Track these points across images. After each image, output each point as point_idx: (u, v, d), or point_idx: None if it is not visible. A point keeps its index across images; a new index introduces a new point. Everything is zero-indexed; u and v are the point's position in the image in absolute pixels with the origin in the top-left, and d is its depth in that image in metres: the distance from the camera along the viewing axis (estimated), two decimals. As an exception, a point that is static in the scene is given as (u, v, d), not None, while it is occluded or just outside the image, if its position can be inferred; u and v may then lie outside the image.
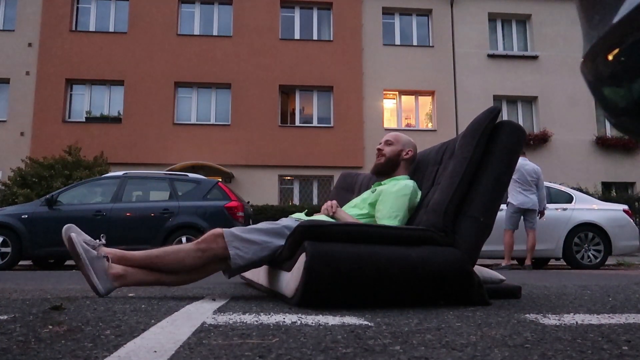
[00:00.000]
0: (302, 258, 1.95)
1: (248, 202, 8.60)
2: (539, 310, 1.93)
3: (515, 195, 6.72)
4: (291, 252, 2.12)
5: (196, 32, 16.48)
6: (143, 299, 2.26)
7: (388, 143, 2.70)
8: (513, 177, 6.76)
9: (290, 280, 2.09)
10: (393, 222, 2.37)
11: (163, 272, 2.30)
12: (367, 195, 2.66)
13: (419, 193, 2.55)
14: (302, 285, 1.93)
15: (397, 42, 16.97)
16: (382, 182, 2.66)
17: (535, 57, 16.80)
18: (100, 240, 2.32)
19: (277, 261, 2.32)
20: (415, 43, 17.04)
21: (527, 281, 3.72)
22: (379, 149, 2.71)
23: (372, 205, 2.55)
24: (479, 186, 2.21)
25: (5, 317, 1.69)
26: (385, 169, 2.69)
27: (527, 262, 6.83)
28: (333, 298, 1.98)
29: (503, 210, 6.95)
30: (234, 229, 2.30)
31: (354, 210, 2.62)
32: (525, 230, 6.82)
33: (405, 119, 16.83)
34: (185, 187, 7.53)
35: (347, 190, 3.56)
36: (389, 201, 2.46)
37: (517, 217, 6.70)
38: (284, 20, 16.70)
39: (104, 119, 15.75)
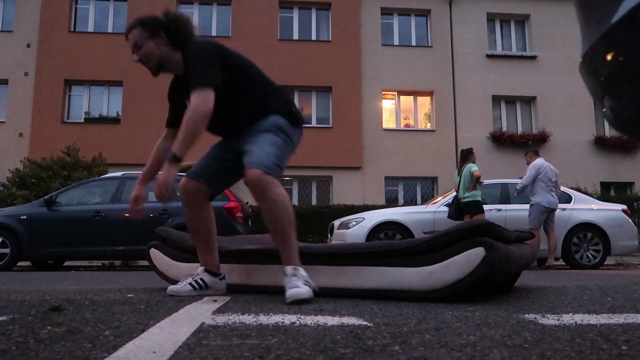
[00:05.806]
0: (476, 251, 2.10)
1: (247, 203, 8.57)
2: (538, 310, 1.94)
3: (545, 195, 6.74)
4: (442, 246, 2.20)
5: (195, 32, 16.44)
6: (142, 300, 2.26)
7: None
8: (539, 177, 6.80)
9: (434, 272, 2.18)
10: None
11: None
12: None
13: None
14: (470, 276, 2.10)
15: (396, 42, 16.97)
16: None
17: (534, 57, 16.81)
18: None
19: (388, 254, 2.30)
20: (414, 43, 17.04)
21: (526, 281, 3.72)
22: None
23: None
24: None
25: (4, 317, 1.68)
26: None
27: (551, 262, 6.84)
28: (482, 286, 2.27)
29: (525, 211, 7.03)
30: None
31: None
32: (546, 231, 6.86)
33: (404, 119, 16.83)
34: (184, 188, 7.52)
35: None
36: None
37: (544, 217, 6.75)
38: (283, 21, 16.70)
39: (102, 120, 15.73)
